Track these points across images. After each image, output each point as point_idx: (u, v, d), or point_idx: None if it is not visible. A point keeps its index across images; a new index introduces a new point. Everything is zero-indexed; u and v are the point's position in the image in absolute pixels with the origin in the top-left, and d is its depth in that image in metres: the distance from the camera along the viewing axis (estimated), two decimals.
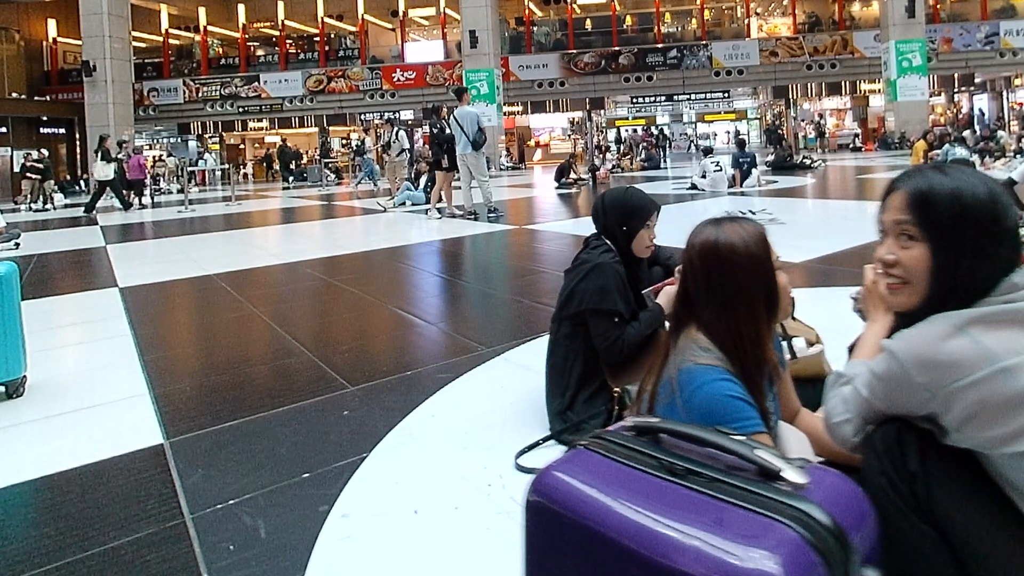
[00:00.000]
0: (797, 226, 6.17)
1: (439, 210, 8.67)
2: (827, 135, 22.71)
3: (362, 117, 26.48)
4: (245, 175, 26.28)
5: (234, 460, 2.00)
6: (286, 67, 25.64)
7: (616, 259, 2.05)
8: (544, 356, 2.16)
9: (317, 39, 26.06)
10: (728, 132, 29.39)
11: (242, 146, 28.63)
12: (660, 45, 23.99)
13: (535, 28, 25.42)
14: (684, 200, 9.27)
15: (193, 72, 25.79)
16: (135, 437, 2.21)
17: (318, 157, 23.07)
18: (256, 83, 25.09)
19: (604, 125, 29.00)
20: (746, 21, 24.25)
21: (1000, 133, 13.29)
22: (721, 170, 10.00)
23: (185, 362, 3.05)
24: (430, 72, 24.57)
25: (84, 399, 2.60)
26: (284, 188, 18.54)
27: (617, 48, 24.01)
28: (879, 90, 22.34)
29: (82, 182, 21.80)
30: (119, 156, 13.27)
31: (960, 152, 10.29)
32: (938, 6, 22.03)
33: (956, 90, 23.98)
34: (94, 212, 12.30)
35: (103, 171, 12.26)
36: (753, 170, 10.39)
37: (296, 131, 26.72)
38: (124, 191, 13.16)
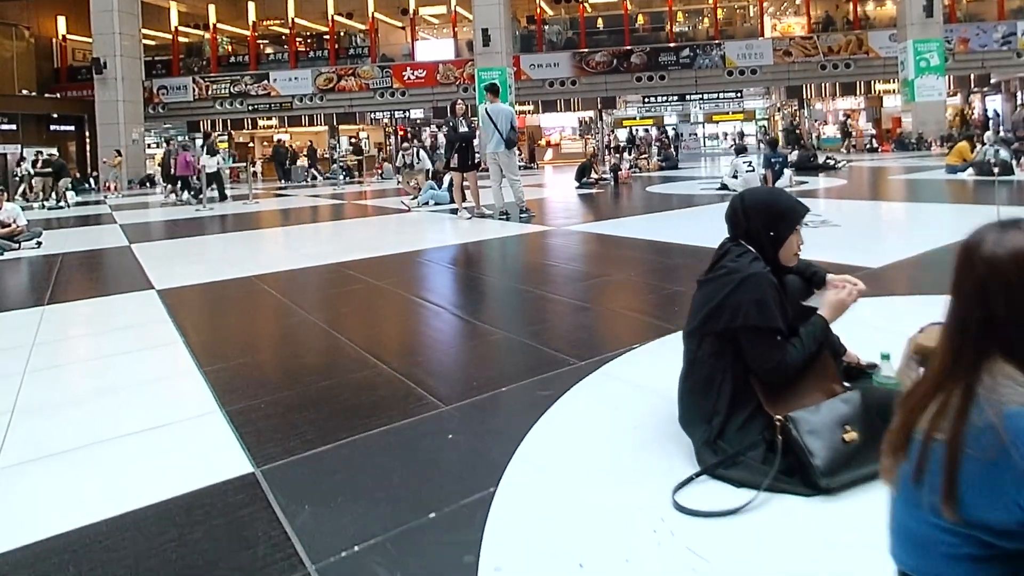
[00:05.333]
0: (852, 229, 5.92)
1: (468, 210, 8.43)
2: (853, 135, 22.37)
3: (371, 116, 26.26)
4: (254, 173, 26.04)
5: (342, 494, 1.76)
6: (296, 65, 25.39)
7: (768, 269, 1.81)
8: (648, 371, 1.93)
9: (327, 37, 25.80)
10: (727, 133, 29.15)
11: (251, 144, 28.39)
12: (672, 44, 23.73)
13: (546, 27, 25.16)
14: (722, 201, 9.02)
15: (203, 70, 25.55)
16: (220, 464, 1.97)
17: (304, 156, 22.86)
18: (266, 81, 24.85)
19: (612, 125, 28.76)
20: (759, 20, 23.98)
21: None
22: (753, 170, 9.74)
23: (250, 374, 2.80)
24: (440, 71, 24.33)
25: (153, 416, 2.36)
26: (279, 189, 18.27)
27: (629, 47, 23.74)
28: (894, 90, 22.08)
29: (91, 179, 21.56)
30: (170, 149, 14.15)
31: (1003, 154, 10.02)
32: (955, 6, 21.75)
33: (972, 91, 23.68)
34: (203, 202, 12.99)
35: (208, 164, 13.24)
36: (785, 170, 10.14)
37: (306, 129, 26.49)
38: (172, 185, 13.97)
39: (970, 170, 10.25)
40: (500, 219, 7.90)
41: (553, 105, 25.33)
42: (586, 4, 24.76)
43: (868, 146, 21.49)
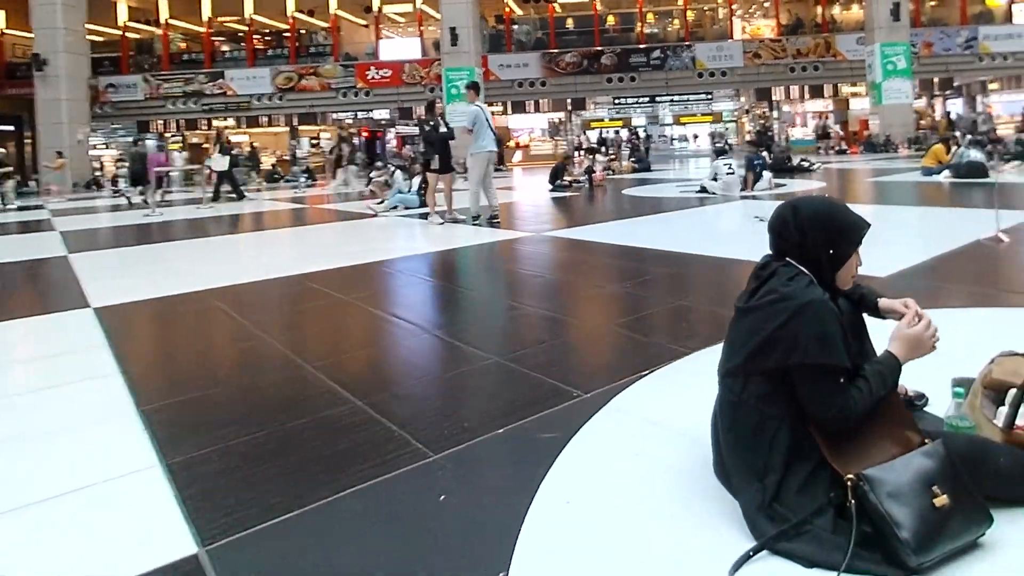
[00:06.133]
0: None
1: (440, 214, 8.09)
2: (831, 136, 22.76)
3: (333, 116, 25.64)
4: (208, 175, 25.03)
5: None
6: (254, 64, 24.64)
7: (827, 295, 1.53)
8: (663, 404, 1.63)
9: (287, 35, 25.09)
10: (696, 135, 29.43)
11: (206, 145, 27.40)
12: (643, 45, 23.83)
13: (515, 27, 24.98)
14: (702, 204, 8.86)
15: (154, 68, 24.56)
16: (155, 542, 1.59)
17: (244, 158, 22.04)
18: (221, 80, 24.03)
19: (581, 126, 28.76)
20: (729, 22, 24.24)
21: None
22: (734, 172, 9.63)
23: (199, 414, 2.41)
24: (406, 70, 23.91)
25: (70, 475, 1.96)
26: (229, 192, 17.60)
27: (599, 48, 23.75)
28: (861, 93, 22.54)
29: (33, 182, 20.41)
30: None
31: (975, 154, 10.15)
32: (919, 11, 22.34)
33: (935, 94, 24.37)
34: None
35: (220, 163, 13.40)
36: (764, 172, 10.07)
37: (265, 130, 25.71)
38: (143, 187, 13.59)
39: (946, 172, 10.36)
40: (474, 224, 7.59)
41: (522, 106, 25.18)
42: (555, 4, 24.65)
43: (837, 148, 21.87)
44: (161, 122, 24.33)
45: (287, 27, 24.92)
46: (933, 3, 23.40)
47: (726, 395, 1.62)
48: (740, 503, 1.54)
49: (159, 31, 24.93)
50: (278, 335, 3.38)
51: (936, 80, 23.22)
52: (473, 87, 7.99)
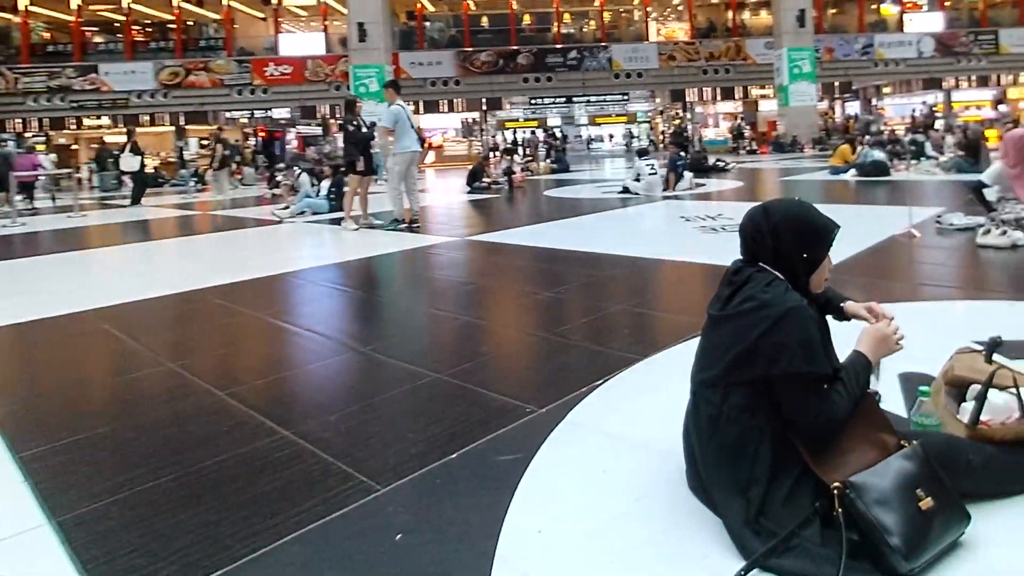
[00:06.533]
0: None
1: (354, 219, 7.83)
2: (746, 136, 24.11)
3: (227, 115, 24.39)
4: (79, 180, 23.06)
5: None
6: (133, 57, 23.04)
7: (804, 300, 1.54)
8: (623, 416, 1.61)
9: (172, 26, 23.64)
10: (612, 135, 30.50)
11: (75, 146, 25.27)
12: (560, 46, 24.34)
13: (428, 24, 24.81)
14: (626, 205, 9.07)
15: (11, 60, 22.39)
16: None
17: (105, 158, 20.62)
18: (94, 74, 22.32)
19: (496, 126, 29.01)
20: (645, 24, 25.24)
21: (919, 137, 14.62)
22: (656, 173, 9.95)
23: (90, 459, 2.12)
24: (310, 67, 23.18)
25: None
26: (104, 197, 16.40)
27: (516, 47, 24.02)
28: (769, 95, 24.13)
29: None
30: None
31: (877, 154, 11.02)
32: (822, 18, 24.22)
33: (835, 97, 26.53)
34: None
35: (130, 163, 12.86)
36: (685, 173, 10.47)
37: (147, 130, 24.02)
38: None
39: (852, 171, 11.21)
40: (397, 229, 7.40)
41: (435, 105, 25.03)
42: (470, 2, 24.69)
43: (748, 148, 23.27)
44: (20, 121, 22.18)
45: (172, 18, 23.48)
46: (834, 11, 25.47)
47: (704, 408, 1.59)
48: (724, 519, 1.52)
49: (17, 19, 22.76)
50: (181, 359, 3.08)
51: (837, 84, 25.28)
52: (393, 85, 7.83)
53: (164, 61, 22.77)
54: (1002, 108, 25.47)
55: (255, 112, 24.15)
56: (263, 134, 23.08)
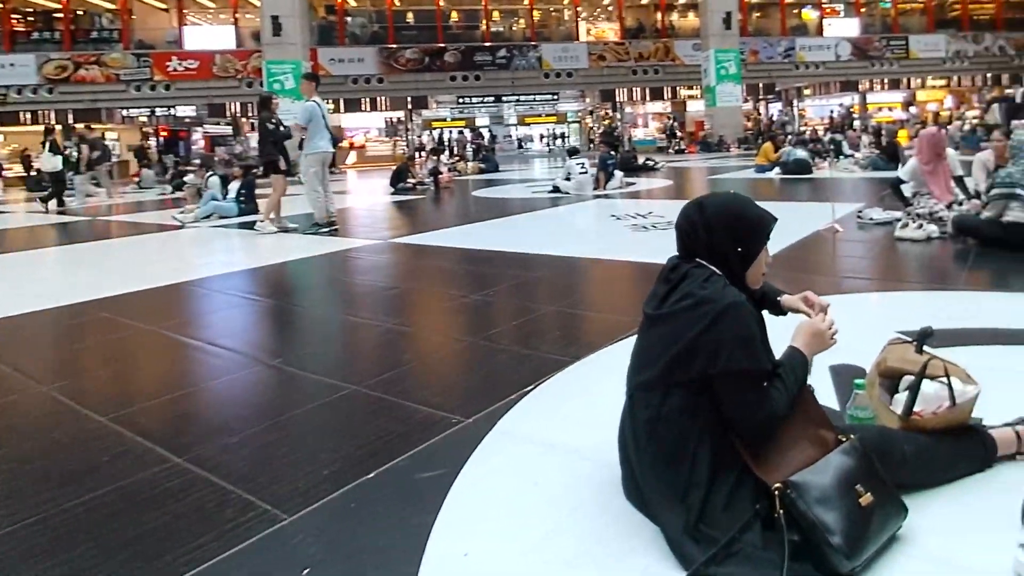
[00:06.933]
0: None
1: (272, 222, 7.52)
2: (678, 135, 24.82)
3: (124, 113, 23.10)
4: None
5: None
6: (12, 48, 21.47)
7: (743, 295, 1.52)
8: (553, 423, 1.55)
9: (59, 16, 22.14)
10: (543, 135, 30.87)
11: None
12: (488, 44, 24.41)
13: (349, 19, 24.33)
14: (557, 204, 9.10)
15: None
16: None
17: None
18: None
19: (422, 126, 28.79)
20: (575, 24, 25.68)
21: (837, 136, 15.46)
22: (587, 172, 10.06)
23: None
24: (218, 62, 22.27)
25: None
26: None
27: (442, 45, 23.94)
28: (696, 96, 25.05)
29: None
30: None
31: (800, 153, 11.57)
32: (747, 21, 25.39)
33: (759, 98, 27.87)
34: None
35: (50, 163, 12.41)
36: (616, 172, 10.64)
37: (28, 128, 22.36)
38: None
39: (776, 169, 11.74)
40: (316, 232, 7.15)
41: (357, 104, 24.59)
42: None
43: (676, 148, 24.08)
44: None
45: (59, 7, 22.00)
46: (758, 14, 26.76)
47: (641, 411, 1.54)
48: (662, 528, 1.47)
49: None
50: (58, 382, 2.79)
51: (761, 85, 26.56)
52: (311, 78, 7.57)
53: (50, 54, 21.33)
54: (912, 110, 27.52)
55: (156, 110, 22.96)
56: (165, 133, 21.97)
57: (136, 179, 17.98)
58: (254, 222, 7.90)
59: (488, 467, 1.88)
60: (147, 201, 13.69)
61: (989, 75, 27.25)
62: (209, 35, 23.44)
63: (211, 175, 9.85)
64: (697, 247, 1.57)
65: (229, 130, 24.14)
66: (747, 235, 1.56)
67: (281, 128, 7.71)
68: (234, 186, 9.45)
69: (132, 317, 3.87)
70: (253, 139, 20.89)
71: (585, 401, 2.31)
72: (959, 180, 5.78)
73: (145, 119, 23.66)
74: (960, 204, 5.38)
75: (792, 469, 1.41)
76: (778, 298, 1.76)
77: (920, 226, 5.04)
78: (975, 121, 19.49)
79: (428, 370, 2.76)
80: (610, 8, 26.29)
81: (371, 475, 1.85)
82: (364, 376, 2.66)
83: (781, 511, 1.36)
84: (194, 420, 2.35)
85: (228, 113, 23.43)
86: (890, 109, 28.66)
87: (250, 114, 22.44)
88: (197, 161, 13.46)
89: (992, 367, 2.34)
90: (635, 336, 1.65)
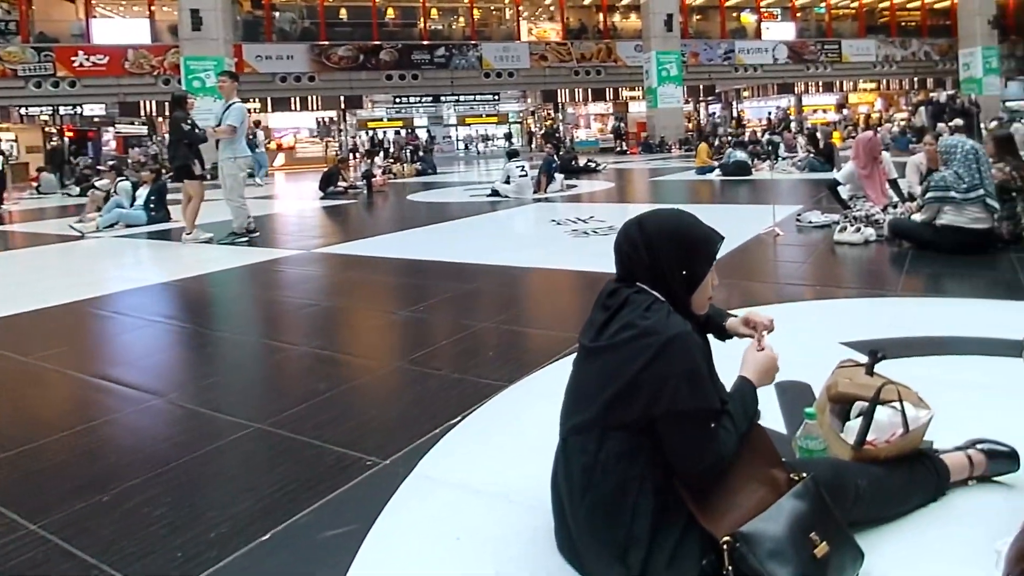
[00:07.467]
0: None
1: (192, 231, 7.13)
2: (625, 136, 25.21)
3: (22, 112, 21.74)
4: None
5: None
6: None
7: (689, 324, 1.39)
8: (480, 464, 1.40)
9: None
10: (486, 136, 30.91)
11: None
12: (427, 42, 24.18)
13: (277, 14, 23.62)
14: (496, 209, 8.95)
15: None
16: None
17: None
18: None
19: (356, 126, 28.30)
20: (516, 23, 25.72)
21: (775, 138, 15.90)
22: (526, 174, 9.97)
23: None
24: (131, 58, 21.23)
25: None
26: None
27: (378, 43, 23.58)
28: (638, 97, 25.50)
29: None
30: None
31: (740, 155, 11.82)
32: (687, 23, 26.02)
33: (700, 100, 28.67)
34: None
35: None
36: (556, 175, 10.60)
37: None
38: None
39: (717, 171, 11.99)
40: (235, 243, 6.78)
41: (286, 103, 23.91)
42: None
43: (618, 149, 24.44)
44: None
45: None
46: (699, 17, 27.53)
47: (575, 457, 1.40)
48: None
49: None
50: None
51: (701, 87, 27.32)
52: (234, 77, 7.21)
53: None
54: (844, 112, 28.86)
55: (60, 108, 21.68)
56: (71, 134, 20.75)
57: (35, 184, 16.88)
58: (167, 231, 7.45)
59: (404, 520, 1.69)
60: (49, 208, 12.85)
61: (916, 79, 28.88)
62: (121, 28, 22.32)
63: (122, 180, 9.26)
64: (638, 270, 1.44)
65: (144, 130, 23.04)
66: (692, 256, 1.44)
67: (197, 130, 7.30)
68: (143, 192, 8.91)
69: (5, 346, 3.48)
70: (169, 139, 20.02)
71: (516, 432, 2.16)
72: (893, 183, 5.95)
73: (47, 118, 22.31)
74: (895, 207, 5.53)
75: (741, 515, 1.30)
76: (723, 323, 1.65)
77: (858, 229, 5.13)
78: (903, 123, 20.56)
79: (344, 402, 2.54)
80: (552, 8, 26.49)
81: (265, 537, 1.64)
82: (271, 411, 2.42)
83: (730, 567, 1.25)
84: (58, 475, 2.05)
85: (143, 112, 22.36)
86: (824, 111, 29.97)
87: (167, 113, 21.49)
88: (111, 163, 12.62)
89: (937, 379, 2.32)
90: (572, 355, 1.51)
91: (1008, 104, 24.33)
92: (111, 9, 23.50)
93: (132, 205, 8.77)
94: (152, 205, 8.70)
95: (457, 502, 1.76)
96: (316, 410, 2.43)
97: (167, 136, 10.25)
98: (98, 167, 16.38)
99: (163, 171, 9.87)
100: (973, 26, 24.77)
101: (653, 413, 1.30)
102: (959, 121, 12.70)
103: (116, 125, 22.93)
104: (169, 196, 9.05)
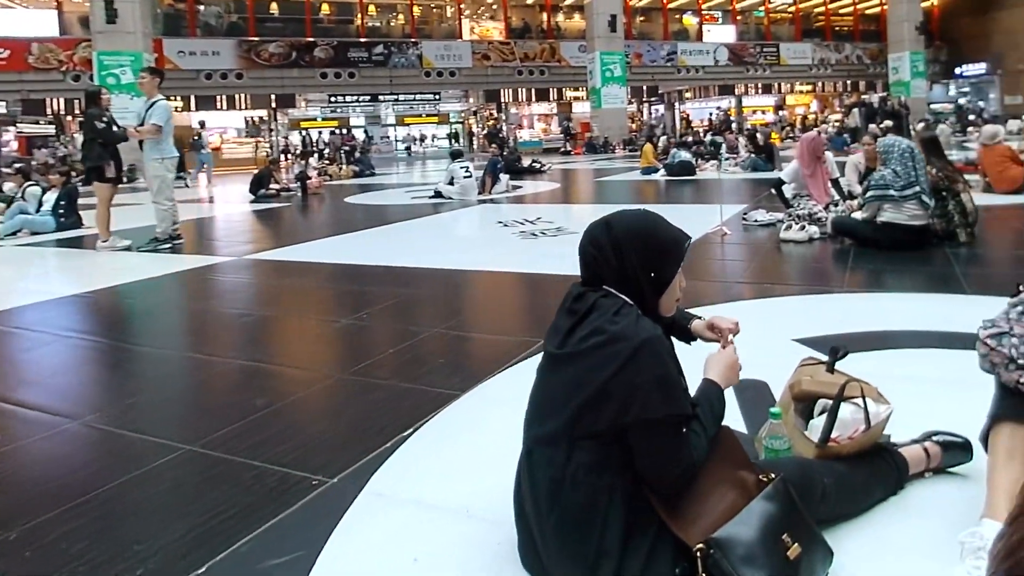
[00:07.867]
0: None
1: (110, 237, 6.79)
2: (574, 136, 25.63)
3: None
4: None
5: None
6: None
7: (659, 328, 1.37)
8: (436, 479, 1.36)
9: None
10: (431, 136, 30.72)
11: None
12: (364, 40, 23.89)
13: (201, 7, 22.87)
14: (439, 211, 8.87)
15: None
16: None
17: None
18: None
19: (288, 126, 27.67)
20: (457, 22, 25.69)
21: (718, 139, 16.35)
22: (471, 175, 9.93)
23: None
24: (36, 52, 20.21)
25: None
26: None
27: (312, 39, 23.20)
28: (582, 97, 25.90)
29: None
30: None
31: (684, 155, 12.11)
32: (631, 24, 26.60)
33: (643, 100, 29.40)
34: None
35: None
36: (501, 175, 10.60)
37: None
38: None
39: (662, 171, 12.26)
40: (158, 249, 6.48)
41: (212, 101, 23.17)
42: None
43: (562, 149, 24.72)
44: None
45: None
46: (642, 18, 28.23)
47: (542, 470, 1.37)
48: None
49: None
50: None
51: (645, 88, 28.00)
52: (157, 74, 6.90)
53: None
54: (781, 113, 30.06)
55: None
56: None
57: None
58: (79, 238, 7.05)
59: (356, 543, 1.62)
60: None
61: (849, 81, 30.39)
62: (24, 20, 21.16)
63: (31, 185, 8.73)
64: (605, 273, 1.42)
65: (51, 130, 21.88)
66: (659, 258, 1.43)
67: (114, 128, 6.91)
68: (51, 196, 8.43)
69: None
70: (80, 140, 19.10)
71: (473, 443, 2.11)
72: (835, 182, 6.19)
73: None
74: (836, 205, 5.74)
75: (713, 520, 1.30)
76: (689, 325, 1.65)
77: (802, 227, 5.31)
78: (837, 124, 21.58)
79: (285, 418, 2.43)
80: (495, 7, 26.59)
81: (202, 569, 1.53)
82: (203, 431, 2.29)
83: (704, 574, 1.23)
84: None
85: (49, 111, 21.25)
86: (763, 112, 31.13)
87: (77, 112, 20.50)
88: (17, 166, 11.85)
89: (888, 373, 2.39)
90: (526, 359, 1.47)
91: (933, 106, 25.80)
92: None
93: (38, 210, 8.28)
94: (61, 210, 8.24)
95: (413, 520, 1.70)
96: (254, 428, 2.31)
97: (78, 136, 9.60)
98: (2, 169, 15.45)
99: (72, 173, 9.34)
100: (901, 32, 26.14)
101: (624, 422, 1.28)
102: (889, 123, 13.34)
103: (18, 124, 21.68)
104: (81, 200, 8.60)
